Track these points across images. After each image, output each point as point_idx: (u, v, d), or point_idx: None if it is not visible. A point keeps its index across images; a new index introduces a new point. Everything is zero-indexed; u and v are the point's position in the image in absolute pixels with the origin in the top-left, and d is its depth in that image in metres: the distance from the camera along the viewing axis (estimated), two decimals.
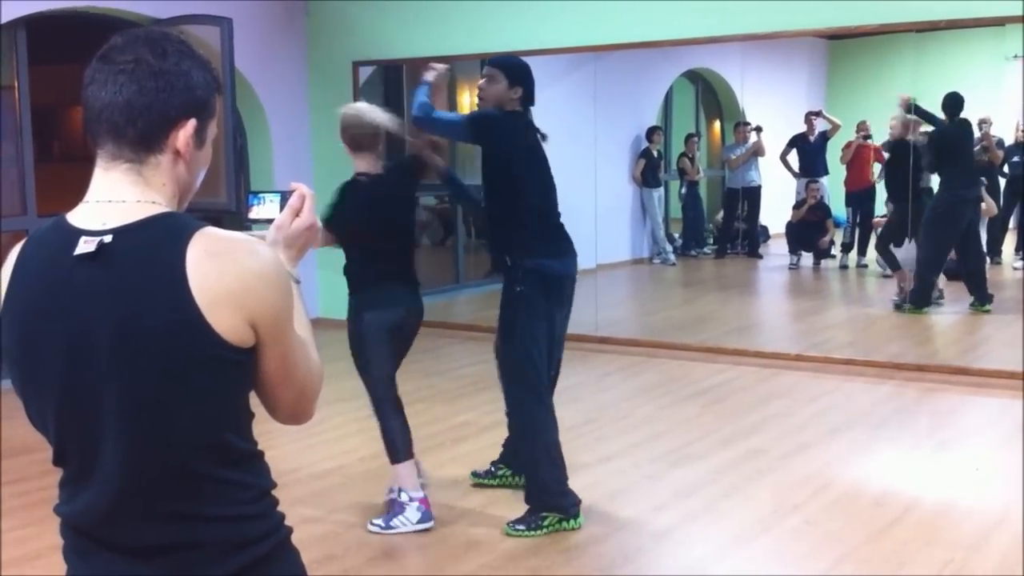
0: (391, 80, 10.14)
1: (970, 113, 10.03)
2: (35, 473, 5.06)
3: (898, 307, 9.04)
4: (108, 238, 1.53)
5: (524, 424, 4.54)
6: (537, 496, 4.50)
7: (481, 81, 4.58)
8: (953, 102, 8.77)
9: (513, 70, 4.55)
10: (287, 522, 1.73)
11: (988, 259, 10.26)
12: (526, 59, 4.69)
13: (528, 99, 4.57)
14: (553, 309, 4.53)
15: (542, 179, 4.58)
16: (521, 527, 4.45)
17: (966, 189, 8.82)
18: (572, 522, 4.49)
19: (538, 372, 4.51)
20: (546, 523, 4.45)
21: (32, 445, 1.71)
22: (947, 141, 8.84)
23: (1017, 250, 10.75)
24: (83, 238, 1.54)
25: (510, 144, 4.50)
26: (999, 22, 7.12)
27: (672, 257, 11.85)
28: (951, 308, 9.48)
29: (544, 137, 4.65)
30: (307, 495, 4.98)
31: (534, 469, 4.52)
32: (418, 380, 7.10)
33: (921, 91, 9.02)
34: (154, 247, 1.53)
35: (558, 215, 4.64)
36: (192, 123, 1.61)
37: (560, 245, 4.57)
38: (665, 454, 5.51)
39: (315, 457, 5.51)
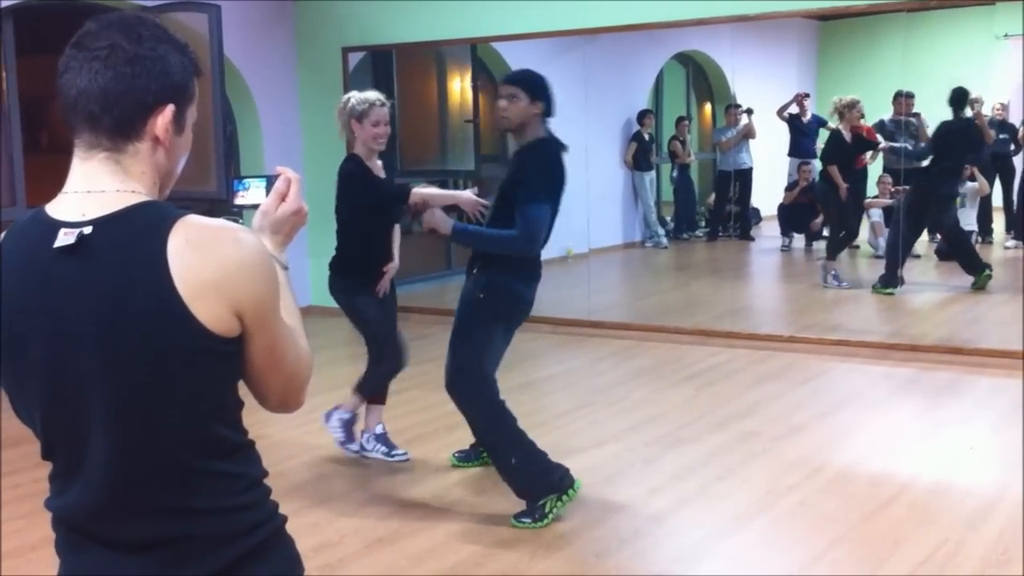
0: (380, 66, 10.10)
1: None
2: (29, 465, 5.04)
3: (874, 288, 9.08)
4: (88, 229, 1.51)
5: (487, 425, 4.53)
6: (528, 490, 4.46)
7: (501, 101, 4.40)
8: (958, 97, 8.64)
9: (533, 85, 4.41)
10: (281, 511, 1.71)
11: (980, 239, 10.30)
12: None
13: (549, 111, 4.45)
14: (511, 326, 4.56)
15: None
16: (527, 520, 4.38)
17: (944, 186, 8.80)
18: (571, 492, 4.45)
19: (488, 373, 4.51)
20: (548, 508, 4.41)
21: (25, 437, 1.70)
22: (953, 137, 8.75)
23: (1008, 229, 10.77)
24: (62, 230, 1.52)
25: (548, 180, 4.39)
26: (989, 1, 7.12)
27: (664, 240, 11.85)
28: (944, 288, 9.51)
29: (564, 148, 4.50)
30: (302, 482, 4.97)
31: (511, 468, 4.47)
32: (411, 367, 7.07)
33: (911, 72, 9.01)
34: (134, 237, 1.51)
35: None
36: (170, 109, 1.58)
37: (533, 272, 4.53)
38: (659, 437, 5.51)
39: (310, 444, 5.50)
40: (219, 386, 1.58)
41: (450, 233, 4.43)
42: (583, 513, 4.49)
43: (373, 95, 4.91)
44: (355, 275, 5.00)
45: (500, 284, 4.46)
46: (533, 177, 4.33)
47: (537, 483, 4.44)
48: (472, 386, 4.51)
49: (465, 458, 5.13)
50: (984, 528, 4.25)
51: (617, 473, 5.01)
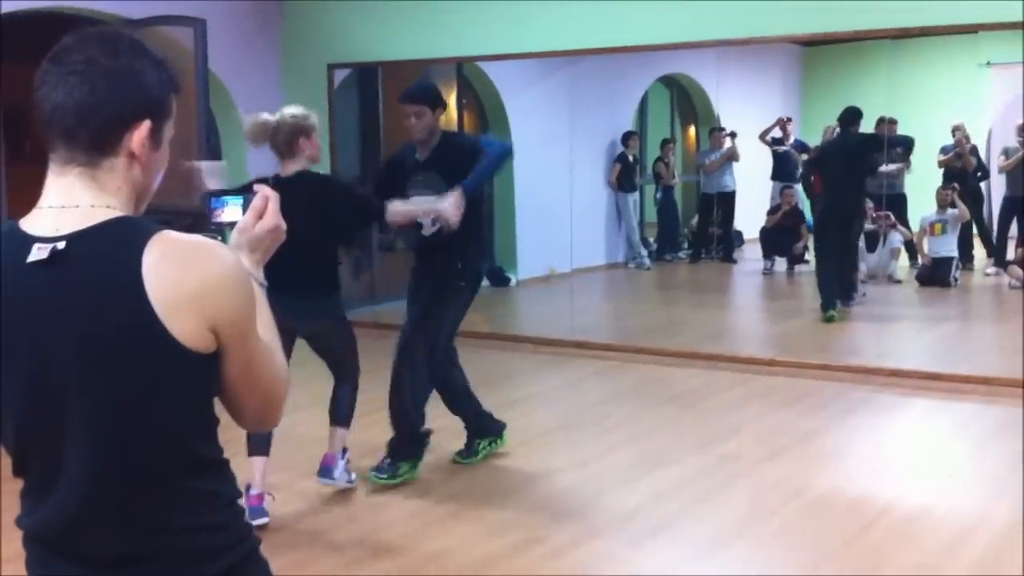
0: (366, 83, 10.11)
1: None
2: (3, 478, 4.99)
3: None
4: (62, 244, 1.49)
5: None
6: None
7: (411, 120, 4.89)
8: (850, 116, 8.76)
9: (434, 97, 4.96)
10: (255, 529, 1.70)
11: (961, 265, 10.33)
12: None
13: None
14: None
15: None
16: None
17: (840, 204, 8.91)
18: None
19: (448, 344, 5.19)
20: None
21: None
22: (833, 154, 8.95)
23: (988, 255, 10.83)
24: (36, 245, 1.50)
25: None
26: (972, 29, 7.16)
27: (647, 261, 11.87)
28: (921, 313, 9.54)
29: None
30: (278, 500, 4.93)
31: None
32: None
33: (895, 98, 9.06)
34: (109, 252, 1.50)
35: None
36: (147, 124, 1.57)
37: (481, 246, 5.39)
38: (640, 458, 5.50)
39: (289, 462, 5.46)
40: (195, 402, 1.57)
41: (465, 197, 4.71)
42: (563, 533, 4.47)
43: (287, 111, 4.55)
44: None
45: (480, 269, 5.29)
46: (471, 140, 5.14)
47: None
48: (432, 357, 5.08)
49: (382, 473, 5.11)
50: (963, 552, 4.25)
51: (597, 493, 4.99)
